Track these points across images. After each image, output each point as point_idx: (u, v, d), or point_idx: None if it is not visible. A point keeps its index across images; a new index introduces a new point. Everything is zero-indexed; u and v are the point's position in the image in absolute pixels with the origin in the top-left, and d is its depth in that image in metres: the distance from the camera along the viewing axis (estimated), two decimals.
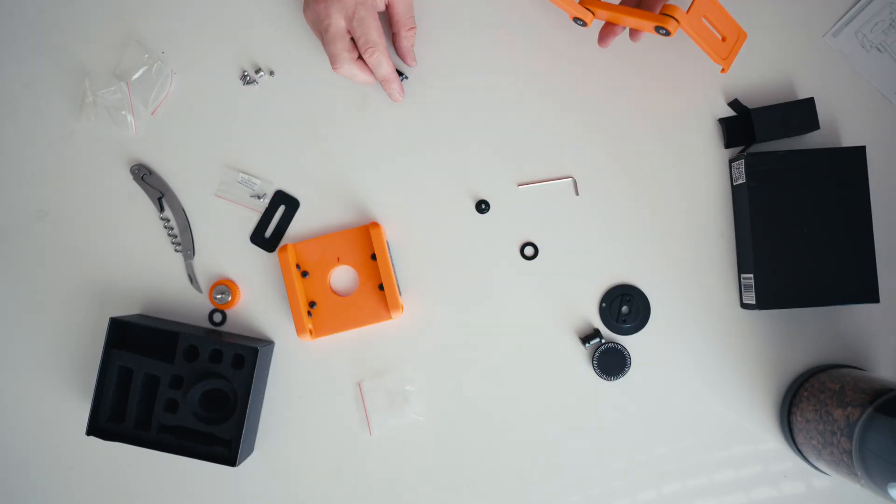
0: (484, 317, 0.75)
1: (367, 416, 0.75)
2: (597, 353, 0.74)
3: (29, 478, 0.77)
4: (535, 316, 0.75)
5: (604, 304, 0.74)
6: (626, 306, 0.74)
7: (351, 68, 0.71)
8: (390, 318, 0.74)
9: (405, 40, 0.73)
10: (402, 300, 0.74)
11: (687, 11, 0.63)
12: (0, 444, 0.77)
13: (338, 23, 0.68)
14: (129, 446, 0.73)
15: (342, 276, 0.75)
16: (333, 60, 0.70)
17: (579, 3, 0.66)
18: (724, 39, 0.67)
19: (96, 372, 0.72)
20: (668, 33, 0.63)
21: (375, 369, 0.75)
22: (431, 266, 0.75)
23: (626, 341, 0.75)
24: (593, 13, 0.66)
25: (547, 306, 0.75)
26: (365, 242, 0.74)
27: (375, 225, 0.74)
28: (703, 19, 0.65)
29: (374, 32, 0.69)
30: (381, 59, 0.70)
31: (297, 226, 0.76)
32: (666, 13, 0.62)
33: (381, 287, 0.74)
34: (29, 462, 0.77)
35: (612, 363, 0.74)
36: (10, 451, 0.77)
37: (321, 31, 0.69)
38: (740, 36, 0.68)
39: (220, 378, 0.71)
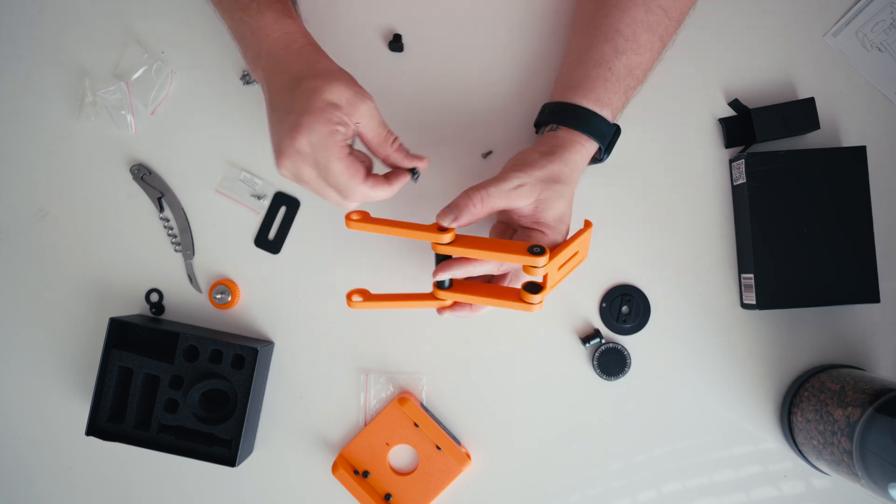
0: (484, 317, 0.75)
1: (366, 406, 0.75)
2: (597, 353, 0.74)
3: (29, 478, 0.77)
4: (536, 316, 0.75)
5: (604, 304, 0.74)
6: (626, 306, 0.74)
7: (362, 191, 0.61)
8: (462, 471, 0.73)
9: (392, 158, 0.64)
10: (464, 447, 0.75)
11: (543, 287, 0.62)
12: (0, 444, 0.77)
13: (310, 175, 0.60)
14: (128, 446, 0.73)
15: (400, 455, 0.75)
16: (342, 205, 0.63)
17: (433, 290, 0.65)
18: (576, 254, 0.66)
19: (96, 372, 0.72)
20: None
21: (378, 363, 0.75)
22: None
23: (627, 341, 0.74)
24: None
25: (548, 306, 0.75)
26: (401, 417, 0.74)
27: (404, 399, 0.73)
28: (558, 267, 0.64)
29: (341, 177, 0.59)
30: (367, 194, 0.62)
31: (300, 226, 0.76)
32: (526, 301, 0.61)
33: (438, 447, 0.74)
34: (29, 462, 0.77)
35: (612, 363, 0.74)
36: (10, 451, 0.77)
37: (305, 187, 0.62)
38: (587, 237, 0.67)
39: (219, 378, 0.71)
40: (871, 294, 0.71)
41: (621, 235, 0.75)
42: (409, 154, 0.64)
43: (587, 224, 0.67)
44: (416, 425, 0.73)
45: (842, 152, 0.71)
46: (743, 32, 0.75)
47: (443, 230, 0.61)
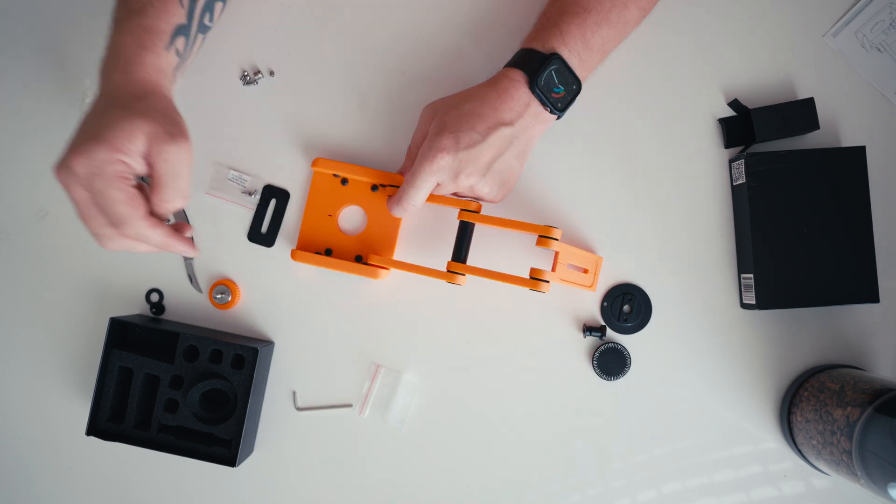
0: (483, 316, 0.75)
1: (366, 400, 0.75)
2: (597, 353, 0.74)
3: (29, 478, 0.77)
4: (536, 315, 0.75)
5: (605, 304, 0.74)
6: (627, 305, 0.74)
7: (122, 242, 0.58)
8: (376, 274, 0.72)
9: (160, 209, 0.58)
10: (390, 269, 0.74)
11: (553, 270, 0.67)
12: (1, 447, 0.77)
13: (80, 196, 0.56)
14: (128, 446, 0.73)
15: (348, 219, 0.76)
16: (97, 240, 0.58)
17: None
18: (586, 272, 0.73)
19: (96, 372, 0.72)
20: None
21: (377, 362, 0.75)
22: (431, 257, 0.75)
23: (627, 341, 0.75)
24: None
25: (549, 306, 0.75)
26: (327, 181, 0.75)
27: (317, 161, 0.74)
28: (568, 265, 0.71)
29: (119, 205, 0.55)
30: (141, 232, 0.57)
31: (292, 218, 0.76)
32: (536, 277, 0.66)
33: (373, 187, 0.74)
34: (29, 462, 0.77)
35: (612, 363, 0.74)
36: (11, 451, 0.77)
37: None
38: (598, 262, 0.74)
39: (219, 378, 0.71)
40: (870, 294, 0.71)
41: (621, 235, 0.75)
42: (175, 233, 0.60)
43: (599, 258, 0.74)
44: (344, 181, 0.74)
45: (842, 152, 0.71)
46: (743, 32, 0.75)
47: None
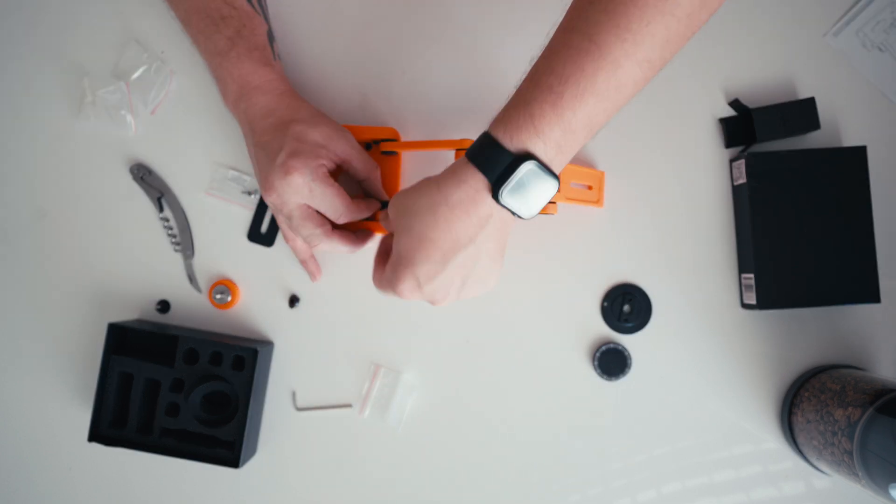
0: (484, 316, 0.75)
1: (366, 400, 0.75)
2: (597, 354, 0.74)
3: (31, 484, 0.77)
4: (537, 315, 0.75)
5: (605, 304, 0.74)
6: (627, 305, 0.74)
7: (352, 210, 0.67)
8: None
9: (374, 181, 0.70)
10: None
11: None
12: (1, 451, 0.77)
13: (293, 205, 0.65)
14: (131, 451, 0.73)
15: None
16: (318, 239, 0.68)
17: None
18: (590, 188, 0.73)
19: (96, 374, 0.72)
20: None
21: (377, 361, 0.75)
22: None
23: (627, 341, 0.74)
24: None
25: (549, 305, 0.75)
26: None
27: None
28: (571, 184, 0.71)
29: (336, 198, 0.65)
30: (355, 214, 0.68)
31: None
32: None
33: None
34: (31, 469, 0.77)
35: (612, 363, 0.74)
36: (12, 458, 0.77)
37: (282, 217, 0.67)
38: (601, 177, 0.74)
39: (220, 380, 0.71)
40: (871, 294, 0.71)
41: (622, 235, 0.75)
42: (366, 206, 0.69)
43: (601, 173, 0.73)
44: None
45: (842, 152, 0.71)
46: (743, 32, 0.75)
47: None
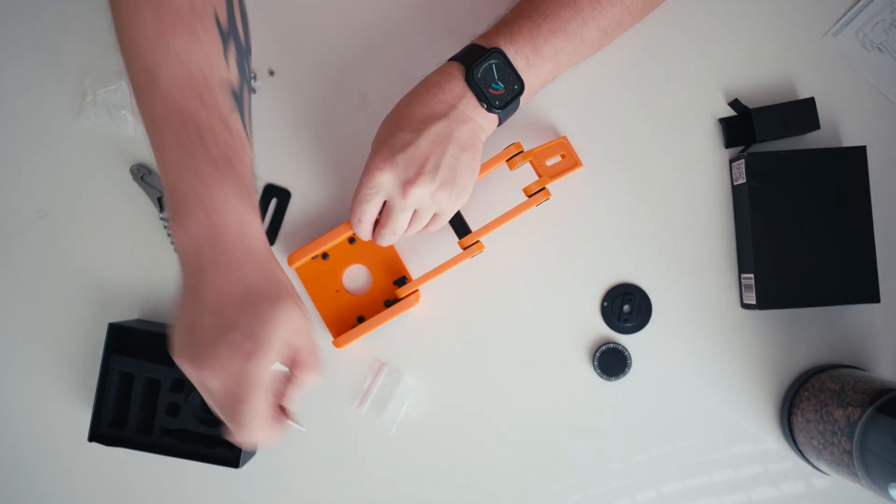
0: (483, 315, 0.75)
1: (366, 396, 0.75)
2: (597, 354, 0.74)
3: (31, 484, 0.77)
4: (536, 315, 0.75)
5: (605, 304, 0.74)
6: (627, 305, 0.74)
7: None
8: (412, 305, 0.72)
9: (308, 377, 0.54)
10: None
11: (540, 176, 0.70)
12: (1, 451, 0.77)
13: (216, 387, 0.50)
14: (131, 451, 0.73)
15: (353, 278, 0.76)
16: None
17: None
18: (563, 156, 0.73)
19: (96, 373, 0.72)
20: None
21: (375, 360, 0.75)
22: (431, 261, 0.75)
23: (627, 341, 0.74)
24: None
25: (549, 305, 0.75)
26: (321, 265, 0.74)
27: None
28: (546, 162, 0.72)
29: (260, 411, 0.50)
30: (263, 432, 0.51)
31: (293, 217, 0.76)
32: (535, 192, 0.69)
33: (395, 282, 0.74)
34: (31, 468, 0.77)
35: (612, 363, 0.74)
36: (12, 458, 0.77)
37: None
38: (564, 142, 0.74)
39: None
40: (871, 294, 0.71)
41: (621, 235, 0.75)
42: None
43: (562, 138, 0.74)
44: (325, 255, 0.74)
45: (842, 152, 0.71)
46: (743, 32, 0.75)
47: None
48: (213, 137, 0.52)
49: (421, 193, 0.62)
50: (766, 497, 0.74)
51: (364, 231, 0.68)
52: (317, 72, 0.76)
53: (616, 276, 0.75)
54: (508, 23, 0.64)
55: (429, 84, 0.63)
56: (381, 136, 0.63)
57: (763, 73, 0.75)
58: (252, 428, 0.50)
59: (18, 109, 0.77)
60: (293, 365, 0.53)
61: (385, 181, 0.61)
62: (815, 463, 0.69)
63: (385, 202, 0.65)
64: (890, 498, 0.57)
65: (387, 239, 0.68)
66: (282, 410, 0.55)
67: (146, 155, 0.77)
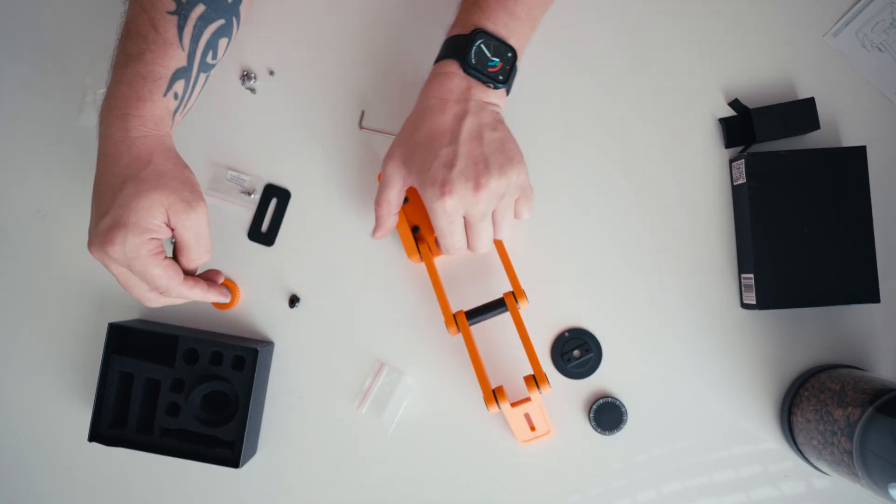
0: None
1: (366, 395, 0.75)
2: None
3: (31, 484, 0.77)
4: (535, 315, 0.75)
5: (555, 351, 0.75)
6: (577, 350, 0.74)
7: (165, 301, 0.65)
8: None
9: (191, 267, 0.66)
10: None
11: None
12: (1, 451, 0.77)
13: (119, 272, 0.63)
14: (131, 451, 0.73)
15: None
16: (141, 302, 0.66)
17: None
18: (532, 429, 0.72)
19: (96, 374, 0.72)
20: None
21: (380, 364, 0.75)
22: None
23: (627, 341, 0.74)
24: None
25: (549, 303, 0.75)
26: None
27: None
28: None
29: (159, 279, 0.62)
30: (183, 293, 0.65)
31: (292, 217, 0.76)
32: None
33: None
34: (31, 468, 0.77)
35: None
36: (12, 458, 0.77)
37: None
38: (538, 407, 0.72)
39: (220, 380, 0.71)
40: (871, 294, 0.71)
41: (621, 235, 0.75)
42: (211, 285, 0.68)
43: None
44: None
45: (842, 152, 0.71)
46: (743, 32, 0.75)
47: None
48: (138, 35, 0.63)
49: (490, 191, 0.62)
50: (766, 497, 0.74)
51: (460, 251, 0.67)
52: (317, 72, 0.76)
53: (616, 276, 0.75)
54: (475, 2, 0.64)
55: (434, 94, 0.64)
56: (423, 166, 0.62)
57: (763, 73, 0.75)
58: (147, 302, 0.64)
59: (18, 109, 0.77)
60: (176, 248, 0.63)
61: (456, 203, 0.62)
62: (815, 463, 0.69)
63: (464, 218, 0.64)
64: (890, 498, 0.57)
65: (485, 248, 0.67)
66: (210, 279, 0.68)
67: None
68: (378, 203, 0.67)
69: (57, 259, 0.77)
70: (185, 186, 0.62)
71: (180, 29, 0.63)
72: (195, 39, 0.64)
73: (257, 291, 0.76)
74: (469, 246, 0.66)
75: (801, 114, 0.72)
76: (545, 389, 0.67)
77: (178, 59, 0.64)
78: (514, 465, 0.75)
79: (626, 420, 0.74)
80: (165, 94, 0.63)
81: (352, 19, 0.77)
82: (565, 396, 0.75)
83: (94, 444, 0.71)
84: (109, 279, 0.76)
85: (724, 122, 0.74)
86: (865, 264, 0.71)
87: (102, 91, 0.75)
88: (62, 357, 0.77)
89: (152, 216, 0.60)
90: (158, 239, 0.61)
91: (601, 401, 0.73)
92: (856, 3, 0.74)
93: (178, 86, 0.64)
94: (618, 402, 0.73)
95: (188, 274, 0.66)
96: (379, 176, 0.69)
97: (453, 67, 0.63)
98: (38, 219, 0.77)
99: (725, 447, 0.74)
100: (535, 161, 0.73)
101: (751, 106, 0.73)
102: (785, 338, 0.74)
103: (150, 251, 0.61)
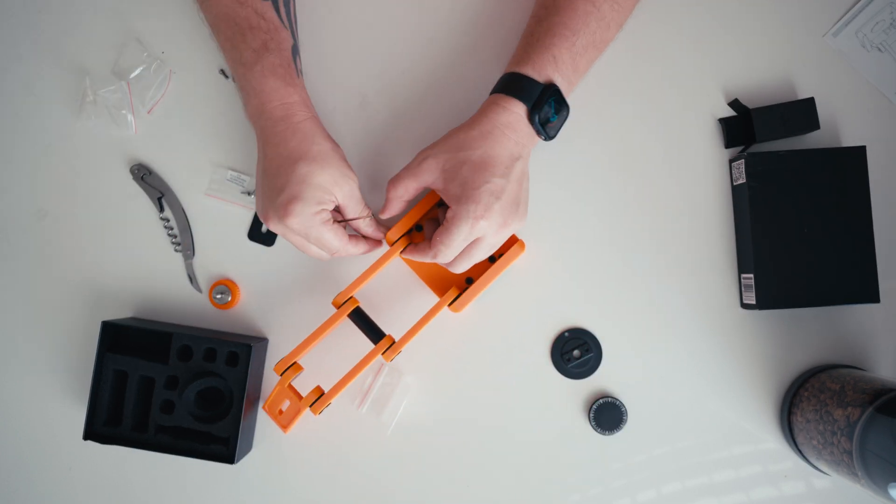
0: (484, 314, 0.75)
1: (367, 395, 0.75)
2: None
3: (31, 484, 0.77)
4: (535, 315, 0.75)
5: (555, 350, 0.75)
6: (577, 350, 0.74)
7: (347, 250, 0.70)
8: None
9: (362, 230, 0.72)
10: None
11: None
12: (1, 451, 0.77)
13: (297, 240, 0.68)
14: (130, 449, 0.73)
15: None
16: (317, 258, 0.72)
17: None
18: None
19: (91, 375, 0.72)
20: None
21: (380, 364, 0.75)
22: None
23: (627, 341, 0.74)
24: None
25: (549, 303, 0.75)
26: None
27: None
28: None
29: (332, 242, 0.68)
30: (350, 251, 0.70)
31: None
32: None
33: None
34: (27, 467, 0.77)
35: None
36: (12, 458, 0.77)
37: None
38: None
39: (214, 376, 0.71)
40: (871, 294, 0.71)
41: (621, 235, 0.75)
42: (377, 228, 0.73)
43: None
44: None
45: (842, 152, 0.71)
46: (743, 32, 0.75)
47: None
48: (250, 30, 0.67)
49: (508, 232, 0.67)
50: (766, 497, 0.74)
51: (446, 261, 0.68)
52: (317, 72, 0.76)
53: (615, 277, 0.75)
54: (547, 46, 0.66)
55: (500, 125, 0.65)
56: (471, 182, 0.64)
57: (763, 73, 0.75)
58: (322, 259, 0.71)
59: (18, 109, 0.77)
60: (340, 210, 0.69)
61: (484, 229, 0.65)
62: (815, 463, 0.69)
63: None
64: (890, 498, 0.57)
65: (463, 270, 0.69)
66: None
67: (146, 155, 0.77)
68: (394, 185, 0.68)
69: (56, 259, 0.77)
70: (343, 161, 0.68)
71: (277, 10, 0.69)
72: (289, 15, 0.71)
73: (257, 291, 0.76)
74: (453, 262, 0.68)
75: (801, 114, 0.72)
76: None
77: (288, 38, 0.69)
78: (513, 464, 0.75)
79: (625, 420, 0.74)
80: (299, 75, 0.70)
81: (351, 20, 0.77)
82: (565, 396, 0.75)
83: (91, 446, 0.71)
84: (105, 278, 0.77)
85: (724, 122, 0.74)
86: (865, 264, 0.71)
87: (102, 91, 0.75)
88: (56, 356, 0.77)
89: (324, 191, 0.66)
90: (328, 210, 0.67)
91: (601, 401, 0.73)
92: (856, 4, 0.74)
93: (299, 63, 0.71)
94: (618, 402, 0.73)
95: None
96: (388, 182, 0.69)
97: (519, 109, 0.65)
98: (39, 219, 0.77)
99: (725, 447, 0.74)
100: (536, 161, 0.74)
101: (751, 106, 0.73)
102: (785, 338, 0.74)
103: (323, 220, 0.67)
